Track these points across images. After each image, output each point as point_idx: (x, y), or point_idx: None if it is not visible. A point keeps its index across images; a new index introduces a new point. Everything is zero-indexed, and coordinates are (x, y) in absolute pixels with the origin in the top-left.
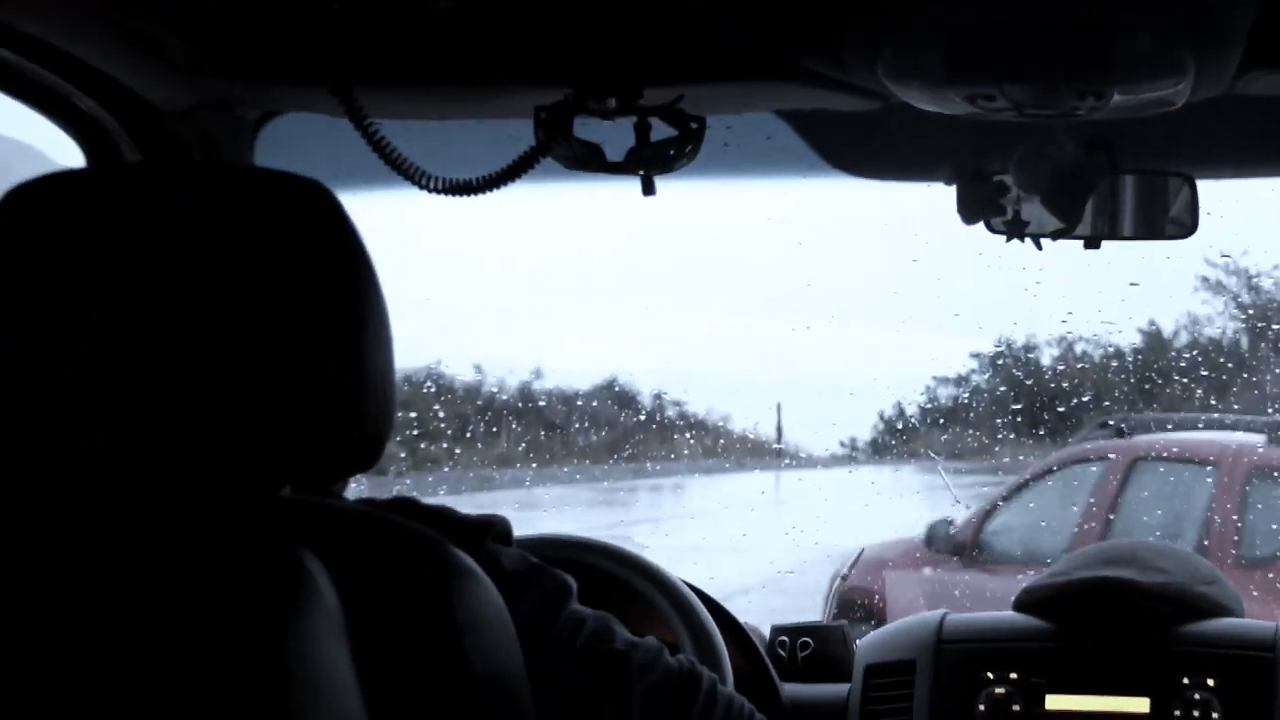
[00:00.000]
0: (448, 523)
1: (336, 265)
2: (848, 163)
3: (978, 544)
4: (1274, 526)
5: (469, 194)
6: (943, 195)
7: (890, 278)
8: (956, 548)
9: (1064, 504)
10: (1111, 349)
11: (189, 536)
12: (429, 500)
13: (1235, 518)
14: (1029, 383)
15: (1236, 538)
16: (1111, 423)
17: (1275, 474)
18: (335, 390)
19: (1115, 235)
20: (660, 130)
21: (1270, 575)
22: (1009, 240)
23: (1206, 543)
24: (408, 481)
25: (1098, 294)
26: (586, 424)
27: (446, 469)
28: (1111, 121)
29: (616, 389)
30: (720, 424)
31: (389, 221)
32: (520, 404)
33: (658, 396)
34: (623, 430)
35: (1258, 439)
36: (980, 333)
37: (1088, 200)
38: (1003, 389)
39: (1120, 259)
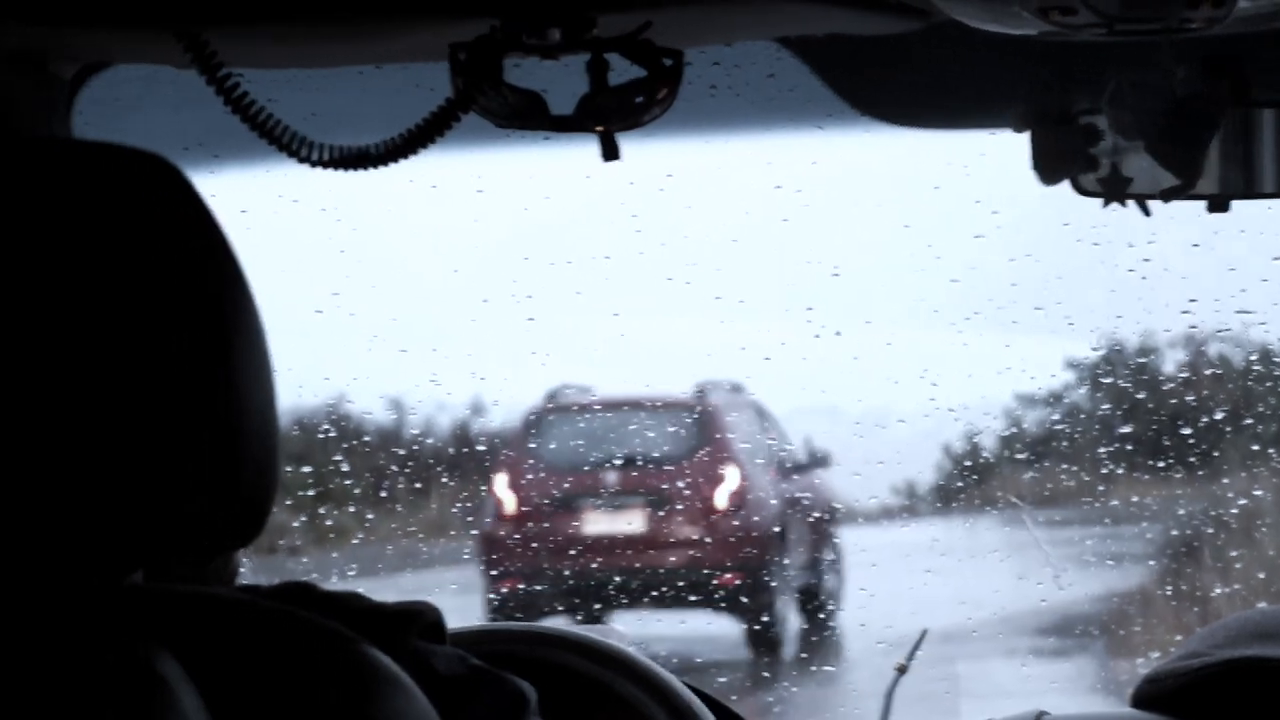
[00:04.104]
0: (356, 614)
1: (191, 268)
2: (880, 107)
3: None
4: None
5: (366, 167)
6: (1013, 147)
7: (946, 261)
8: None
9: None
10: (1255, 349)
11: (3, 640)
12: (332, 586)
13: None
14: (1144, 398)
15: None
16: None
17: None
18: (198, 437)
19: (1251, 193)
20: (623, 71)
21: None
22: (1106, 204)
23: None
24: (305, 560)
25: (1230, 273)
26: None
27: (357, 541)
28: (1238, 37)
29: None
30: None
31: (261, 207)
32: (455, 451)
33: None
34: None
35: None
36: (1073, 332)
37: (1209, 147)
38: (1108, 408)
39: (1260, 224)
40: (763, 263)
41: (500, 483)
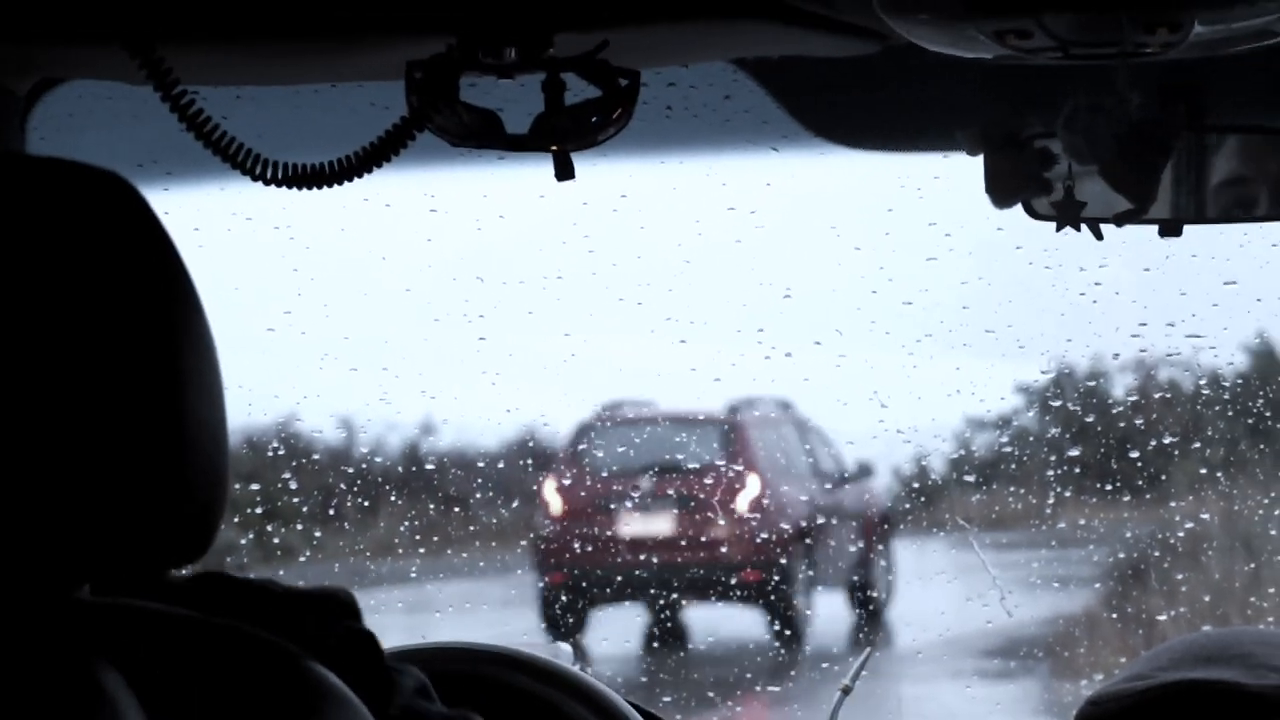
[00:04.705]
0: (275, 599)
1: (143, 283)
2: (835, 129)
3: None
4: None
5: (321, 185)
6: (967, 170)
7: (898, 284)
8: None
9: None
10: (1205, 373)
11: None
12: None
13: None
14: (1093, 422)
15: None
16: None
17: None
18: (147, 454)
19: (1203, 218)
20: (578, 90)
21: None
22: (1059, 229)
23: None
24: (251, 577)
25: (1181, 298)
26: (494, 495)
27: (304, 559)
28: (1192, 63)
29: (533, 446)
30: None
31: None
32: (404, 469)
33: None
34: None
35: None
36: (1023, 355)
37: (1162, 171)
38: (1057, 431)
39: (1211, 249)
40: (715, 284)
41: (549, 487)
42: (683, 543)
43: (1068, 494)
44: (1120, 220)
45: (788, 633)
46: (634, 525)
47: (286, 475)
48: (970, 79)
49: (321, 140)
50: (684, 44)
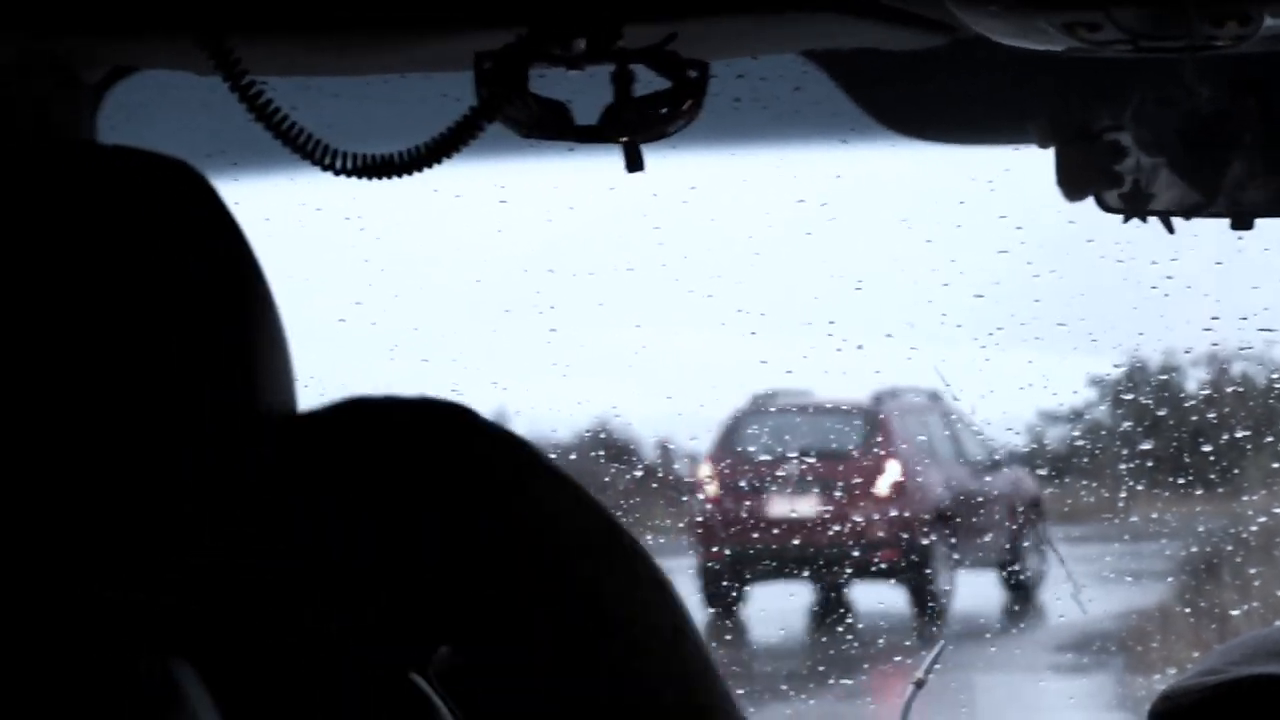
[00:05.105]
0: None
1: (215, 273)
2: (904, 121)
3: None
4: None
5: (391, 175)
6: (1037, 163)
7: (970, 276)
8: None
9: None
10: (1277, 367)
11: (28, 652)
12: None
13: None
14: (1165, 415)
15: None
16: None
17: None
18: (220, 444)
19: (1274, 211)
20: (648, 82)
21: None
22: (1127, 220)
23: None
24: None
25: (1253, 291)
26: None
27: None
28: (1263, 55)
29: (605, 437)
30: None
31: (283, 214)
32: None
33: (663, 446)
34: (616, 493)
35: None
36: (1095, 348)
37: (1233, 164)
38: (1129, 425)
39: None
40: (785, 276)
41: (705, 470)
42: (826, 523)
43: (1140, 488)
44: (1189, 213)
45: (925, 608)
46: (782, 506)
47: None
48: (1039, 71)
49: (390, 131)
50: (753, 36)
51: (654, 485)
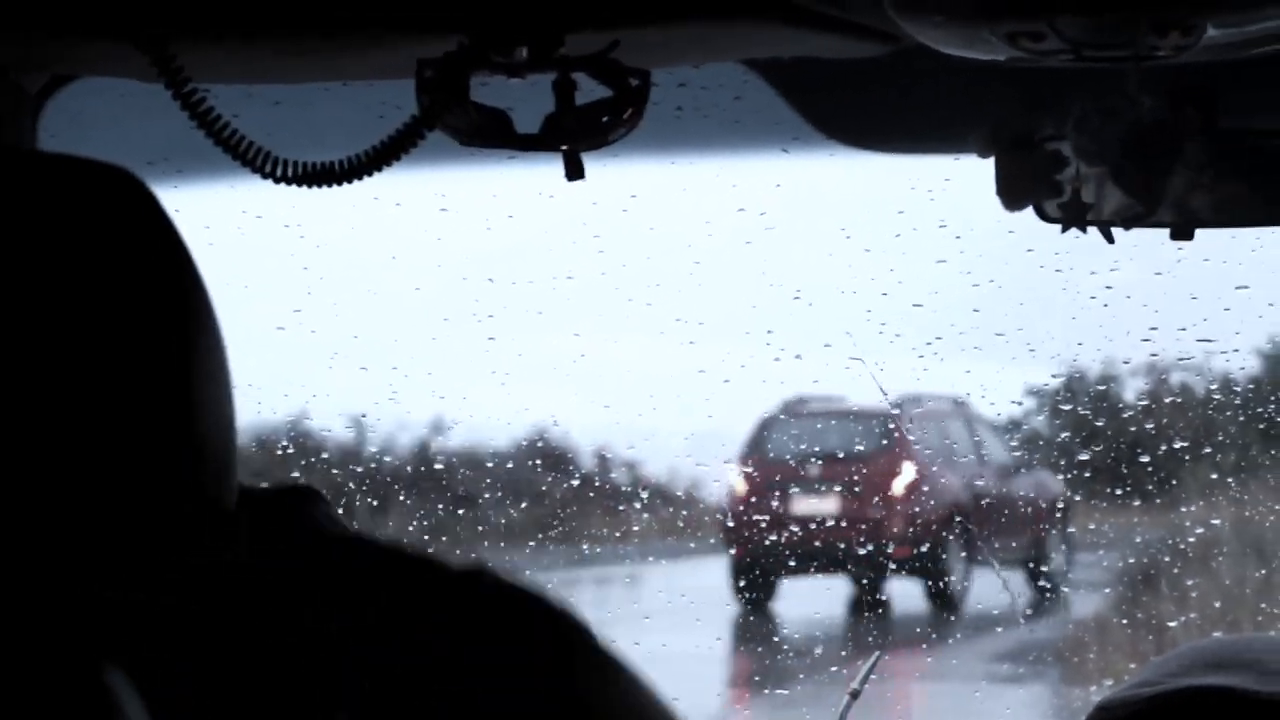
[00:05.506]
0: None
1: (153, 282)
2: (845, 130)
3: None
4: None
5: (331, 183)
6: (977, 172)
7: (909, 286)
8: None
9: None
10: (1216, 378)
11: None
12: None
13: None
14: (1103, 426)
15: None
16: None
17: None
18: (156, 452)
19: (1215, 221)
20: (589, 90)
21: None
22: (1065, 230)
23: None
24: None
25: (1192, 301)
26: (503, 495)
27: None
28: (1205, 65)
29: (542, 445)
30: (686, 491)
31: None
32: (414, 469)
33: (600, 455)
34: (554, 502)
35: None
36: (1033, 358)
37: (1172, 174)
38: (1067, 435)
39: (1223, 253)
40: (725, 285)
41: (733, 471)
42: (845, 521)
43: (1078, 498)
44: (1129, 223)
45: (936, 603)
46: (804, 506)
47: (296, 474)
48: (982, 81)
49: (331, 139)
50: (695, 44)
51: (591, 494)
